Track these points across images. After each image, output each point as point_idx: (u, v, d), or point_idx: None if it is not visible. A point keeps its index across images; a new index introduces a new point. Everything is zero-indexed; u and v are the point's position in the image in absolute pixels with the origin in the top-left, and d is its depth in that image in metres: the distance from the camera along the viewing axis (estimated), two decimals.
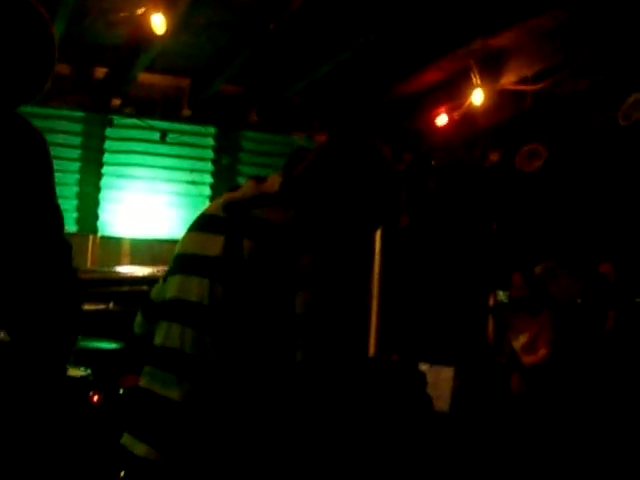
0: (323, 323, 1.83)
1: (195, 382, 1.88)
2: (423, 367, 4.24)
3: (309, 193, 1.98)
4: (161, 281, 2.15)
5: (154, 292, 2.16)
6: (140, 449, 1.91)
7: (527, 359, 4.95)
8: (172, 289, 2.02)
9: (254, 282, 1.84)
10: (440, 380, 4.37)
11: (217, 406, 1.87)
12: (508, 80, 6.05)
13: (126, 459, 1.93)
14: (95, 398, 4.42)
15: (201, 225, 2.07)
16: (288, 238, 1.84)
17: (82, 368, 4.47)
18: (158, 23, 4.79)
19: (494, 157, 6.58)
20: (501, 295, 5.22)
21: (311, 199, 1.97)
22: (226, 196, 2.06)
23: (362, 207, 2.03)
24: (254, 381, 1.88)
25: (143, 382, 2.01)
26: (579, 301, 5.11)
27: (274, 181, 2.01)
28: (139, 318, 2.22)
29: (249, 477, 1.87)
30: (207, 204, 6.71)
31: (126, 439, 1.96)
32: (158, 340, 2.02)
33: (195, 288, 1.93)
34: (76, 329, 1.89)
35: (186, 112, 6.45)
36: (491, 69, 6.06)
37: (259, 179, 2.06)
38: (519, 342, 5.03)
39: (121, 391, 4.72)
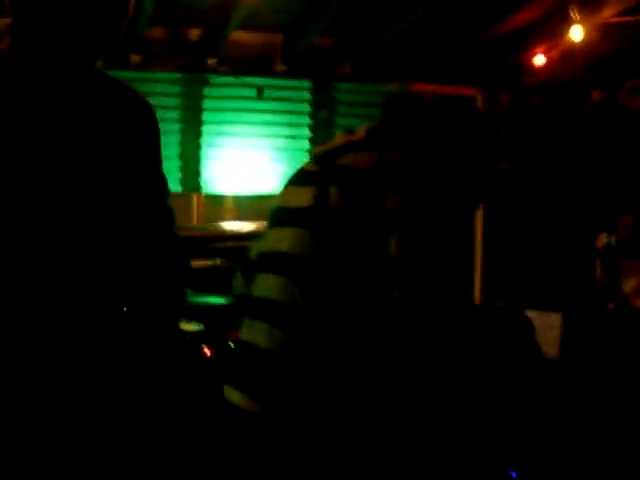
0: (419, 263, 1.82)
1: (285, 330, 1.93)
2: (530, 314, 4.20)
3: (395, 136, 1.99)
4: (257, 240, 2.20)
5: (252, 251, 2.19)
6: (235, 397, 1.98)
7: (638, 303, 4.86)
8: (267, 243, 2.08)
9: (342, 229, 1.87)
10: (548, 327, 4.33)
11: (307, 353, 1.91)
12: (609, 13, 5.83)
13: (225, 408, 2.02)
14: (208, 352, 4.56)
15: (295, 179, 2.13)
16: (373, 181, 1.86)
17: (194, 323, 4.61)
18: None
19: (597, 95, 6.38)
20: (609, 238, 5.11)
21: (397, 141, 1.97)
22: (317, 149, 2.10)
23: (453, 151, 2.03)
24: (346, 327, 1.90)
25: (240, 334, 2.09)
26: None
27: (362, 129, 2.04)
28: (238, 277, 2.27)
29: (344, 425, 1.92)
30: (306, 157, 6.77)
31: (225, 390, 2.05)
32: (254, 292, 2.08)
33: (286, 238, 1.98)
34: (183, 288, 1.94)
35: (280, 67, 6.47)
36: (589, 2, 5.85)
37: (350, 131, 2.10)
38: (629, 285, 4.94)
39: (232, 345, 4.86)
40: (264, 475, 1.96)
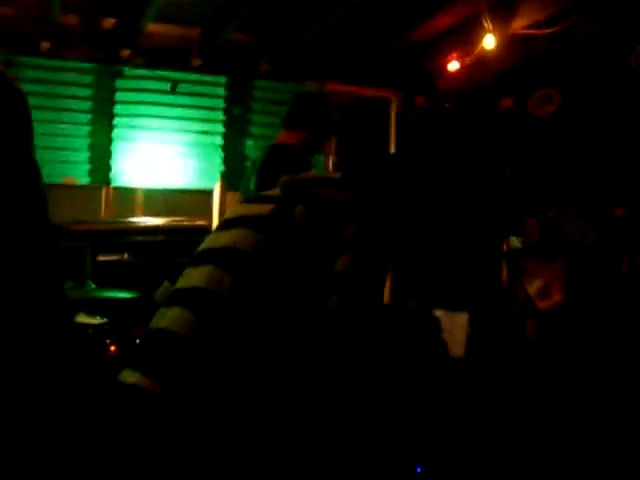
0: (359, 277, 2.10)
1: (202, 316, 1.94)
2: (438, 313, 4.27)
3: (366, 183, 2.30)
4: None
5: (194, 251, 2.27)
6: (133, 378, 1.95)
7: (542, 304, 4.98)
8: (208, 242, 2.19)
9: (298, 241, 2.07)
10: (455, 326, 4.40)
11: (221, 343, 1.91)
12: (520, 24, 5.99)
13: (117, 391, 1.98)
14: (112, 347, 4.47)
15: (252, 199, 2.38)
16: (341, 212, 2.13)
17: (98, 317, 4.52)
18: None
19: (507, 102, 6.53)
20: (514, 241, 5.24)
21: (366, 187, 2.28)
22: (283, 178, 2.20)
23: (395, 201, 2.38)
24: (269, 324, 1.97)
25: (150, 324, 2.07)
26: (591, 240, 5.13)
27: (337, 173, 2.38)
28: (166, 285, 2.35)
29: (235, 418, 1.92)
30: (218, 153, 6.70)
31: (122, 374, 2.01)
32: (177, 285, 2.07)
33: (232, 237, 2.08)
34: (58, 276, 1.89)
35: (196, 62, 6.40)
36: (503, 13, 6.01)
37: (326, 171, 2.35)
38: (533, 287, 5.06)
39: (137, 341, 4.76)
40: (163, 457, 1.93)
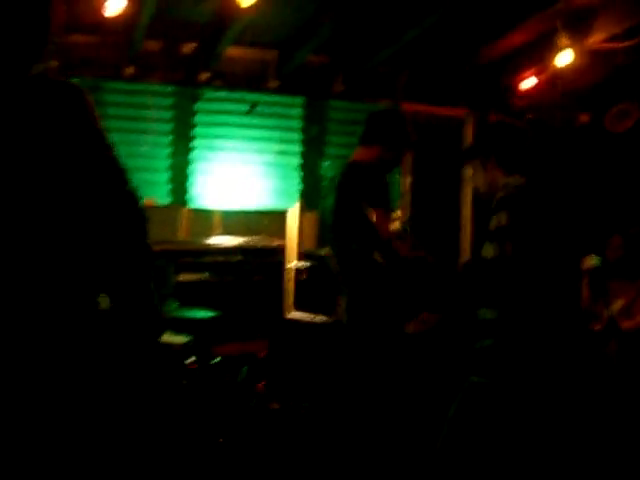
0: None
1: None
2: None
3: None
4: None
5: None
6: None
7: (625, 324, 4.91)
8: None
9: None
10: None
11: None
12: (597, 39, 5.93)
13: None
14: (194, 365, 4.57)
15: None
16: None
17: (183, 335, 4.63)
18: None
19: (584, 118, 6.47)
20: (595, 259, 5.17)
21: None
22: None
23: None
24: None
25: None
26: None
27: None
28: None
29: None
30: (296, 173, 6.78)
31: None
32: None
33: None
34: (151, 299, 1.93)
35: (273, 83, 6.51)
36: (578, 28, 5.95)
37: None
38: (616, 307, 4.99)
39: (218, 359, 4.87)
40: None
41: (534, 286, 2.55)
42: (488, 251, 2.54)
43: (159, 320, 1.98)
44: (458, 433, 2.59)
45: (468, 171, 2.83)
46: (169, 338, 4.44)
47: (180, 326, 4.79)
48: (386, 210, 4.01)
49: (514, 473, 2.50)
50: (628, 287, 5.00)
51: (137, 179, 6.91)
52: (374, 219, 3.70)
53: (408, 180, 6.79)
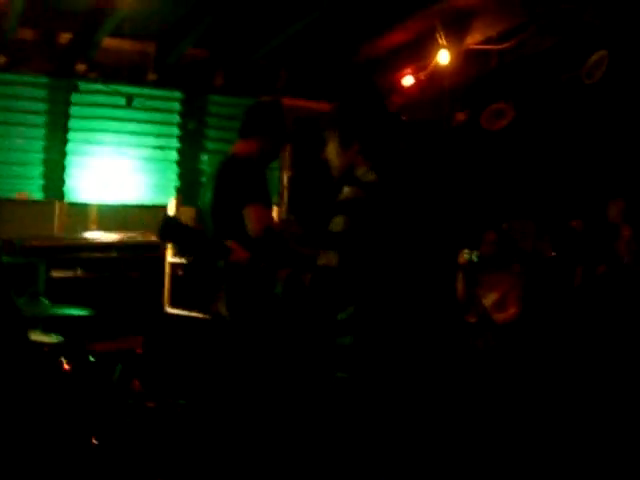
0: None
1: None
2: None
3: None
4: None
5: None
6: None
7: (498, 316, 5.05)
8: None
9: None
10: None
11: None
12: (473, 40, 6.08)
13: None
14: (66, 365, 4.42)
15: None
16: None
17: (53, 335, 4.47)
18: None
19: (460, 116, 6.61)
20: (469, 254, 5.28)
21: None
22: None
23: None
24: None
25: None
26: (552, 254, 5.19)
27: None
28: None
29: None
30: (174, 169, 6.66)
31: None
32: None
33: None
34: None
35: (152, 76, 6.38)
36: (456, 29, 6.09)
37: None
38: (489, 300, 5.12)
39: (91, 358, 4.72)
40: None
41: (390, 283, 2.55)
42: (329, 258, 2.48)
43: (18, 318, 1.90)
44: (325, 428, 2.58)
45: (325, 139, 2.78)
46: (39, 337, 4.28)
47: (51, 325, 4.63)
48: (265, 205, 3.97)
49: (380, 464, 2.52)
50: (502, 281, 5.14)
51: (9, 173, 6.68)
52: (252, 214, 3.65)
53: (286, 176, 6.78)
